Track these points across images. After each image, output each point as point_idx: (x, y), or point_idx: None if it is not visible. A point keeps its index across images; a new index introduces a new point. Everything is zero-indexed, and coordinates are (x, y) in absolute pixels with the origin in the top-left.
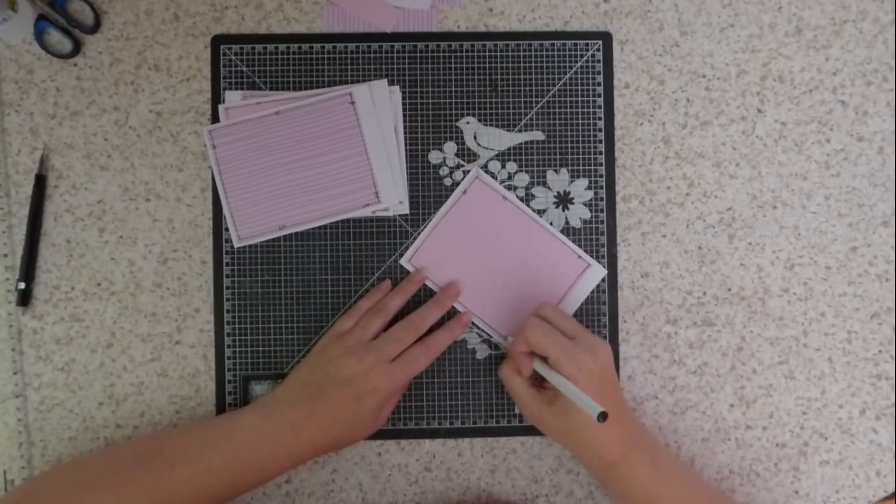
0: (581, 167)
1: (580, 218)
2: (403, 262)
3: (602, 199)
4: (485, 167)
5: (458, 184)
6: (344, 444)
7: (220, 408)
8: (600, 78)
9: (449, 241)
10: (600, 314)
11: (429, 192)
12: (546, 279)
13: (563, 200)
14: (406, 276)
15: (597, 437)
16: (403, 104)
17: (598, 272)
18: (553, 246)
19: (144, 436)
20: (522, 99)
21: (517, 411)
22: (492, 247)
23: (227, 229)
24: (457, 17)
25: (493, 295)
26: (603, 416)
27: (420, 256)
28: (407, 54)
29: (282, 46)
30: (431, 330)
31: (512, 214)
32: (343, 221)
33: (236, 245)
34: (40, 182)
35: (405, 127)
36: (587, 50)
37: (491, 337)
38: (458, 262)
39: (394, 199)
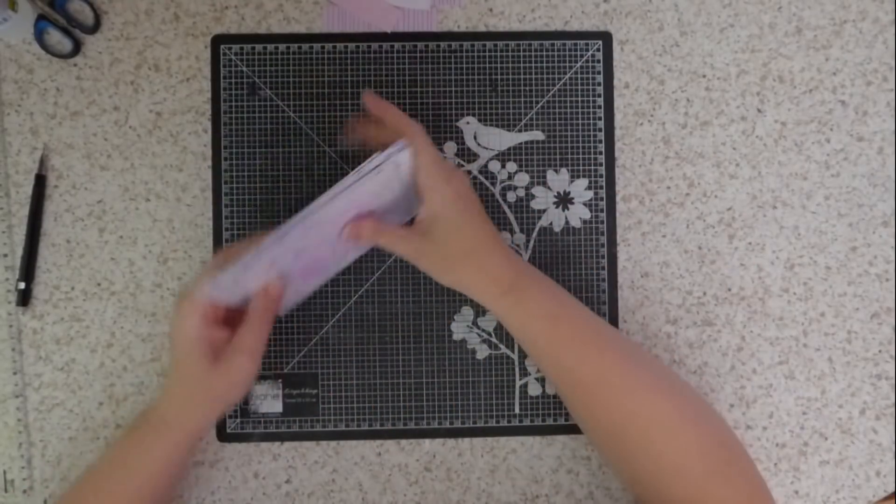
0: (581, 167)
1: (580, 218)
2: None
3: (602, 199)
4: (485, 167)
5: None
6: (188, 382)
7: None
8: (600, 78)
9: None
10: (600, 314)
11: None
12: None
13: (563, 200)
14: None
15: (484, 261)
16: (403, 104)
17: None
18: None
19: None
20: (522, 99)
21: (516, 411)
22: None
23: (227, 229)
24: (457, 17)
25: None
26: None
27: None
28: (407, 54)
29: (282, 46)
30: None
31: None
32: None
33: None
34: (40, 182)
35: None
36: (587, 50)
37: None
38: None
39: None
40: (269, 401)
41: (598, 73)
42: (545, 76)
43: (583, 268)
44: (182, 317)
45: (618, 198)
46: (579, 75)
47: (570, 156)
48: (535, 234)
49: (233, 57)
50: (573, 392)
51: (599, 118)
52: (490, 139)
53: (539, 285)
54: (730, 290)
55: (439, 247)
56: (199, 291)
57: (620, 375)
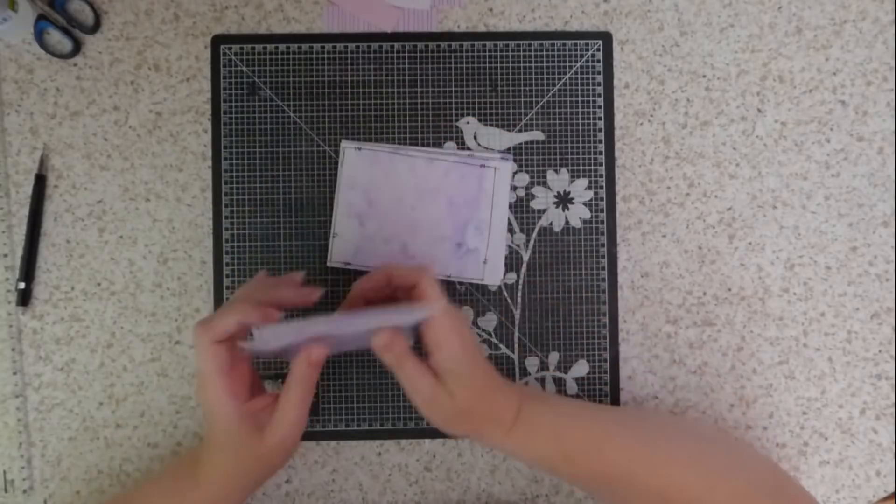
0: (581, 167)
1: (580, 218)
2: (330, 262)
3: (602, 199)
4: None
5: None
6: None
7: None
8: (600, 78)
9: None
10: (600, 314)
11: None
12: (461, 204)
13: (563, 200)
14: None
15: (487, 406)
16: (403, 104)
17: (507, 167)
18: (453, 172)
19: None
20: (522, 99)
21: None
22: (399, 201)
23: (227, 229)
24: (457, 17)
25: (437, 245)
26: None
27: (340, 249)
28: (407, 54)
29: (282, 46)
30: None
31: (399, 162)
32: None
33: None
34: (40, 182)
35: (406, 126)
36: (587, 50)
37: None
38: (377, 232)
39: None
40: None
41: (598, 73)
42: (545, 76)
43: (583, 268)
44: (208, 388)
45: (618, 198)
46: (579, 75)
47: (570, 156)
48: (535, 234)
49: (233, 57)
50: (610, 492)
51: (599, 118)
52: (490, 139)
53: (543, 410)
54: (730, 290)
55: (453, 399)
56: (213, 354)
57: (646, 456)
